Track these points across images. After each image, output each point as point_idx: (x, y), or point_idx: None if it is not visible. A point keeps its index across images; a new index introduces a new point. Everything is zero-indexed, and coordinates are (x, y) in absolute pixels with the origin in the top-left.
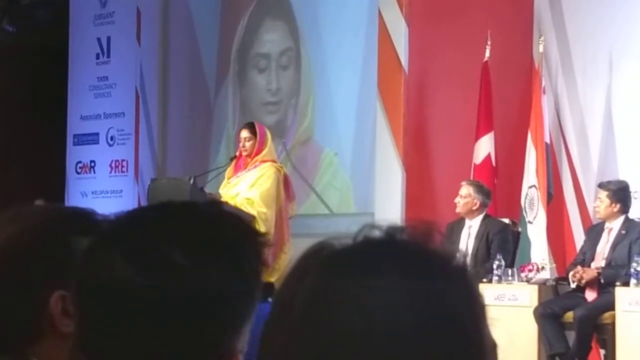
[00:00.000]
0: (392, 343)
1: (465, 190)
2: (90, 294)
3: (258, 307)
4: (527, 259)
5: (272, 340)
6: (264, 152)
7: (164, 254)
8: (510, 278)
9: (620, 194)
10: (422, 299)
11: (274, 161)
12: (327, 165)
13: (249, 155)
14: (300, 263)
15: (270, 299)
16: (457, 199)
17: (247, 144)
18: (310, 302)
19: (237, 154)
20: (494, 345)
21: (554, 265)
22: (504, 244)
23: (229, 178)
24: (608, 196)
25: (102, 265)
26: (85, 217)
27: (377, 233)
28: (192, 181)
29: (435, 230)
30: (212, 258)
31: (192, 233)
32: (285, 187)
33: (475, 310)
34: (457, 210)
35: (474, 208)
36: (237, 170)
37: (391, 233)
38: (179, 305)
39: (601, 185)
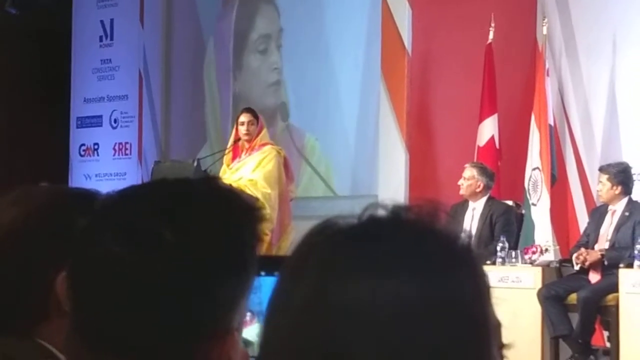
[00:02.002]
0: (396, 320)
1: (469, 172)
2: (83, 272)
3: (255, 282)
4: (531, 241)
5: (277, 318)
6: (260, 136)
7: (154, 230)
8: (513, 260)
9: (620, 176)
10: (427, 277)
11: (272, 144)
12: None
13: (250, 140)
14: (305, 241)
15: (263, 273)
16: (460, 181)
17: (251, 127)
18: (315, 279)
19: (235, 137)
20: (497, 324)
21: (558, 247)
22: (507, 226)
23: (228, 165)
24: (609, 179)
25: (93, 244)
26: (90, 197)
27: (382, 212)
28: (195, 164)
29: (441, 209)
30: (203, 233)
31: (183, 209)
32: (285, 168)
33: (481, 289)
34: (461, 192)
35: (478, 190)
36: (235, 155)
37: (397, 212)
38: (169, 282)
39: (602, 169)
